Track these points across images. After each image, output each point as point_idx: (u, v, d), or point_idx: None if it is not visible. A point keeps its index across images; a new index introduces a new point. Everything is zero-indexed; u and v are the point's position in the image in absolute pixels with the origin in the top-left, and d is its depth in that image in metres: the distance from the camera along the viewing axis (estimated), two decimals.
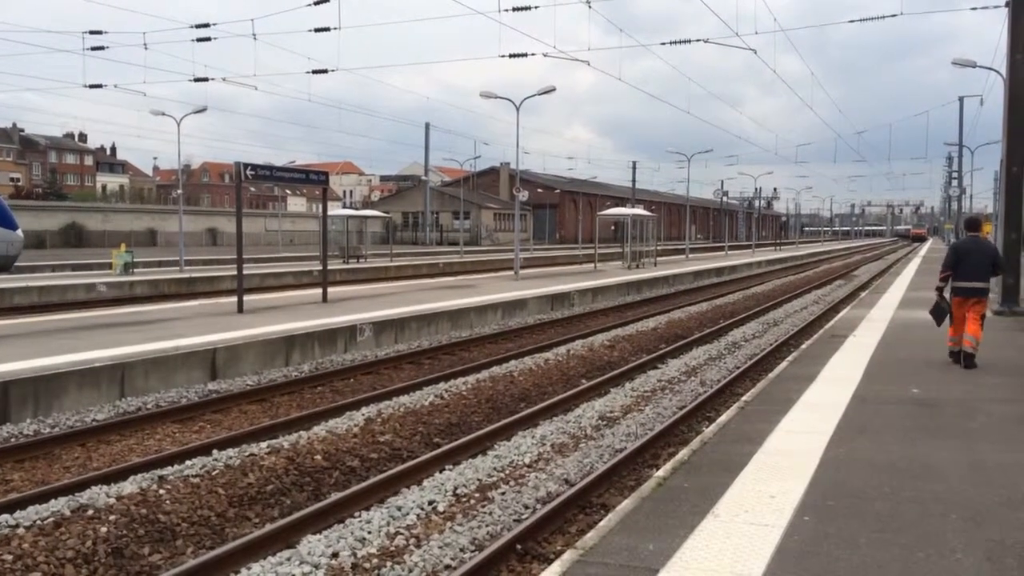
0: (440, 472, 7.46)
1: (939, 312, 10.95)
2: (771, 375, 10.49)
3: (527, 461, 7.87)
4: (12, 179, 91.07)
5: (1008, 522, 5.04)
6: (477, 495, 6.92)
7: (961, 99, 52.42)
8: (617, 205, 56.14)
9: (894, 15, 21.38)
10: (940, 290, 11.01)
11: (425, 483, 7.14)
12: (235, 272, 16.94)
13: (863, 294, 24.66)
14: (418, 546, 5.81)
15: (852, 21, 28.34)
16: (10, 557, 5.43)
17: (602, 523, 5.19)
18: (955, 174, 59.59)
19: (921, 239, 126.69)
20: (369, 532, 6.00)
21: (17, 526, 5.90)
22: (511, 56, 25.17)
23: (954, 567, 4.37)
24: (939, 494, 5.59)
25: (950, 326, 10.95)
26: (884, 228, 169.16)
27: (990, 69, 24.75)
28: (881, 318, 16.55)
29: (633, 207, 45.52)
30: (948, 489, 5.70)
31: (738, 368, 12.80)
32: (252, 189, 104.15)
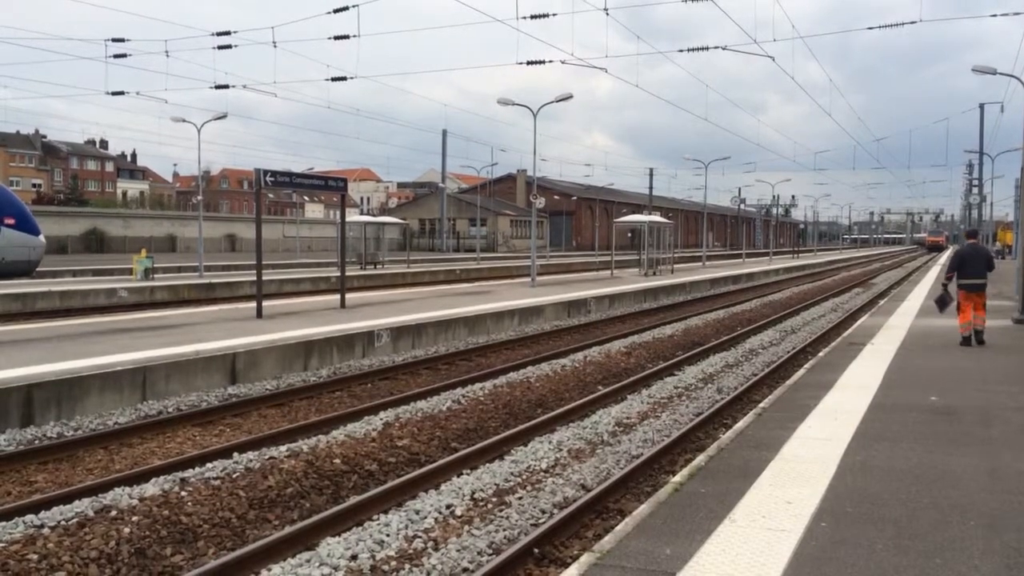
0: (458, 476, 7.51)
1: (942, 301, 13.55)
2: (789, 382, 10.48)
3: (544, 466, 7.90)
4: (34, 185, 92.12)
5: None
6: (494, 499, 6.96)
7: (982, 106, 52.18)
8: (634, 212, 56.06)
9: (912, 22, 21.33)
10: (945, 286, 13.49)
11: (443, 487, 7.19)
12: (254, 278, 17.08)
13: (882, 302, 24.52)
14: (436, 549, 5.86)
15: (871, 28, 28.23)
16: (35, 556, 5.52)
17: (619, 527, 5.21)
18: (975, 181, 59.17)
19: (939, 248, 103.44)
20: (387, 535, 6.06)
21: (42, 526, 5.99)
22: (529, 63, 25.22)
23: (972, 574, 4.37)
24: (957, 501, 5.58)
25: (959, 315, 13.28)
26: (904, 236, 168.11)
27: (1011, 76, 24.56)
28: (900, 326, 16.46)
29: (650, 214, 45.40)
30: (966, 496, 5.69)
31: (755, 375, 12.78)
32: (270, 196, 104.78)
